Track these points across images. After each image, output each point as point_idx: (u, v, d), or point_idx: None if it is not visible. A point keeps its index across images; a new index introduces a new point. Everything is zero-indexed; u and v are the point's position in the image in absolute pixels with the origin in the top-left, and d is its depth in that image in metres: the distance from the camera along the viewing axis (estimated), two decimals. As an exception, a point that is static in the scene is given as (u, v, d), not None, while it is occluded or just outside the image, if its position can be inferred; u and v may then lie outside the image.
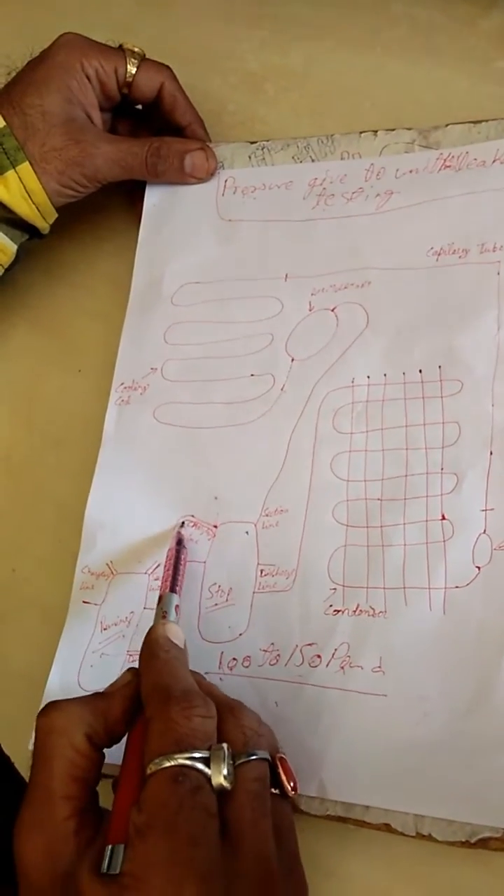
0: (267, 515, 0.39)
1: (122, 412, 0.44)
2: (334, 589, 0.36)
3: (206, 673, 0.37)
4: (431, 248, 0.41)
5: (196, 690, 0.29)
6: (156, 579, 0.40)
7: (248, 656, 0.37)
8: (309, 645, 0.36)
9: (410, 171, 0.43)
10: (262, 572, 0.38)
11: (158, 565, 0.40)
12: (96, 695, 0.30)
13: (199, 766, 0.26)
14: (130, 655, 0.39)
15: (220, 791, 0.27)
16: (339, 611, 0.36)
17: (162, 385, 0.43)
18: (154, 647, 0.31)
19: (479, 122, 0.42)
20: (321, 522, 0.38)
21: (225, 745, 0.27)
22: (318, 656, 0.36)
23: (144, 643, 0.31)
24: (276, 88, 0.49)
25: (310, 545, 0.38)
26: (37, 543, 0.45)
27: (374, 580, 0.36)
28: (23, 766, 0.40)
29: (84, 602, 0.40)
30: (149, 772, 0.26)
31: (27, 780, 0.38)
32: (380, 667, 0.34)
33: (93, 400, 0.45)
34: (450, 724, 0.33)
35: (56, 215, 0.46)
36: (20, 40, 0.46)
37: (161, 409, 0.43)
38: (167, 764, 0.26)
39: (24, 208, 0.44)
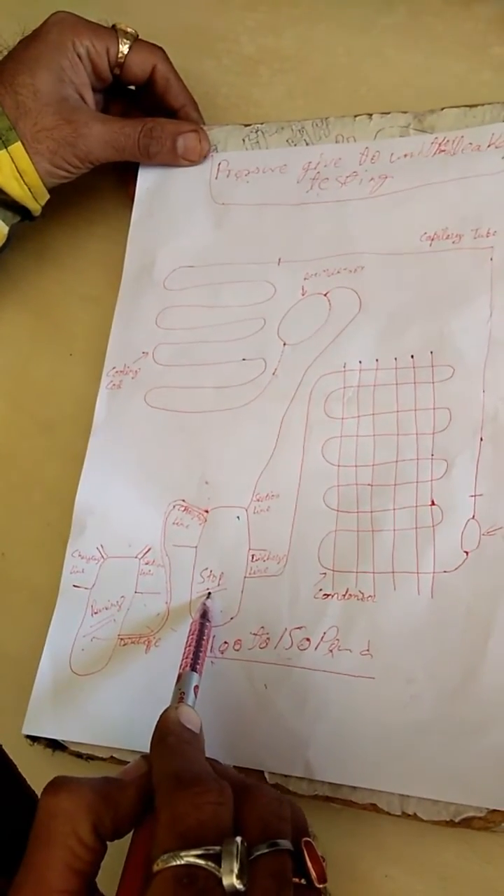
0: (258, 500, 0.39)
1: (113, 396, 0.43)
2: (324, 573, 0.37)
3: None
4: (425, 233, 0.41)
5: (209, 774, 0.26)
6: (146, 563, 0.40)
7: (239, 639, 0.37)
8: (298, 628, 0.36)
9: (405, 156, 0.43)
10: (253, 557, 0.38)
11: (149, 549, 0.40)
12: (109, 780, 0.27)
13: (209, 864, 0.23)
14: (122, 640, 0.39)
15: (233, 892, 0.24)
16: (328, 595, 0.36)
17: (153, 369, 0.43)
18: (165, 732, 0.28)
19: (475, 106, 0.42)
20: (312, 507, 0.38)
21: (238, 840, 0.24)
22: (308, 639, 0.36)
23: (157, 727, 0.29)
24: (270, 71, 0.49)
25: (301, 530, 0.38)
26: (27, 527, 0.45)
27: (363, 565, 0.36)
28: (13, 750, 0.40)
29: (74, 586, 0.41)
30: (154, 869, 0.24)
31: (15, 762, 0.38)
32: (368, 650, 0.35)
33: (84, 384, 0.45)
34: (436, 707, 0.33)
35: (48, 196, 0.45)
36: (12, 18, 0.45)
37: (152, 393, 0.43)
38: (174, 862, 0.23)
39: (15, 189, 0.43)
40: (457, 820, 0.32)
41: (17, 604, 0.43)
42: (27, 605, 0.43)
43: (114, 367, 0.44)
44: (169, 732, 0.28)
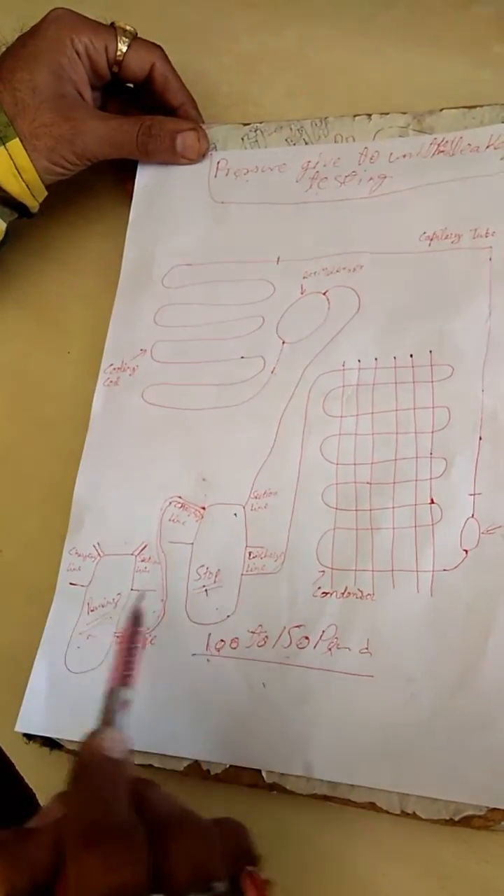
0: (256, 498, 0.39)
1: (110, 393, 0.43)
2: (323, 571, 0.37)
3: (194, 655, 0.37)
4: (424, 233, 0.41)
5: (121, 826, 0.23)
6: (142, 560, 0.40)
7: (236, 638, 0.37)
8: (297, 627, 0.36)
9: (404, 156, 0.43)
10: (250, 554, 0.38)
11: (145, 546, 0.40)
12: (19, 836, 0.24)
13: None
14: (117, 637, 0.39)
15: None
16: (327, 593, 0.36)
17: (151, 366, 0.43)
18: (82, 767, 0.25)
19: (474, 107, 0.42)
20: (310, 505, 0.38)
21: None
22: (306, 638, 0.36)
23: (77, 756, 0.26)
24: (270, 69, 0.49)
25: (299, 528, 0.38)
26: (24, 525, 0.45)
27: (362, 563, 0.36)
28: (10, 748, 0.40)
29: (71, 584, 0.40)
30: None
31: (13, 761, 0.38)
32: (367, 648, 0.35)
33: (81, 381, 0.45)
34: (435, 705, 0.33)
35: (46, 193, 0.45)
36: (10, 14, 0.45)
37: (150, 390, 0.43)
38: None
39: (13, 186, 0.43)
40: (456, 818, 0.32)
41: (14, 601, 0.43)
42: (24, 603, 0.43)
43: (111, 365, 0.44)
44: (87, 767, 0.25)
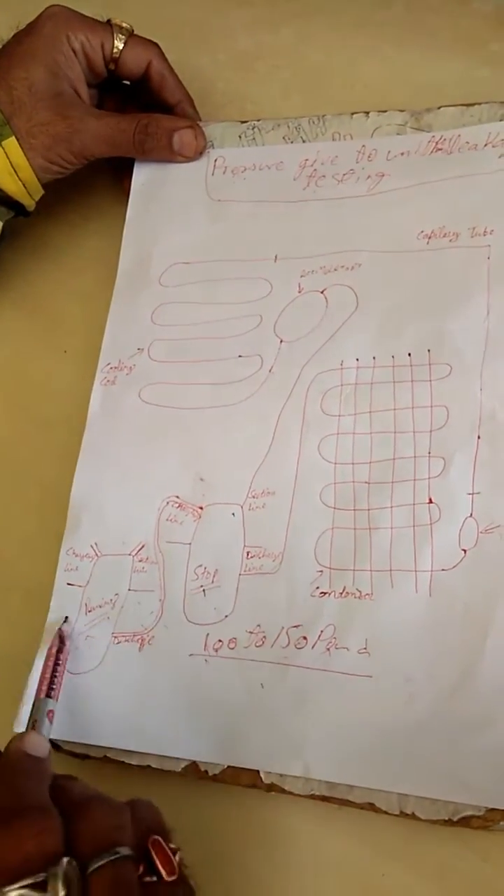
0: (254, 497, 0.39)
1: (107, 393, 0.43)
2: (321, 571, 0.36)
3: (191, 655, 0.37)
4: (422, 232, 0.41)
5: (34, 804, 0.26)
6: (140, 561, 0.40)
7: (234, 638, 0.37)
8: (295, 627, 0.36)
9: (402, 154, 0.42)
10: (248, 554, 0.38)
11: (143, 546, 0.40)
12: None
13: (36, 893, 0.24)
14: (115, 638, 0.39)
15: None
16: (325, 593, 0.36)
17: (148, 366, 0.43)
18: (7, 761, 0.29)
19: (472, 104, 0.42)
20: (308, 505, 0.38)
21: (65, 860, 0.24)
22: (305, 638, 0.36)
23: (2, 754, 0.30)
24: (267, 67, 0.49)
25: (297, 527, 0.37)
26: (21, 525, 0.44)
27: (360, 563, 0.36)
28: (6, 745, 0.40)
29: (68, 584, 0.40)
30: None
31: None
32: (365, 648, 0.35)
33: (78, 381, 0.45)
34: (434, 706, 0.33)
35: (42, 192, 0.45)
36: (6, 12, 0.45)
37: (147, 389, 0.43)
38: None
39: (9, 184, 0.43)
40: (455, 819, 0.32)
41: (12, 602, 0.43)
42: (21, 603, 0.42)
43: (108, 364, 0.44)
44: (7, 764, 0.29)
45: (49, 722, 0.34)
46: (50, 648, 0.37)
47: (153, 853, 0.26)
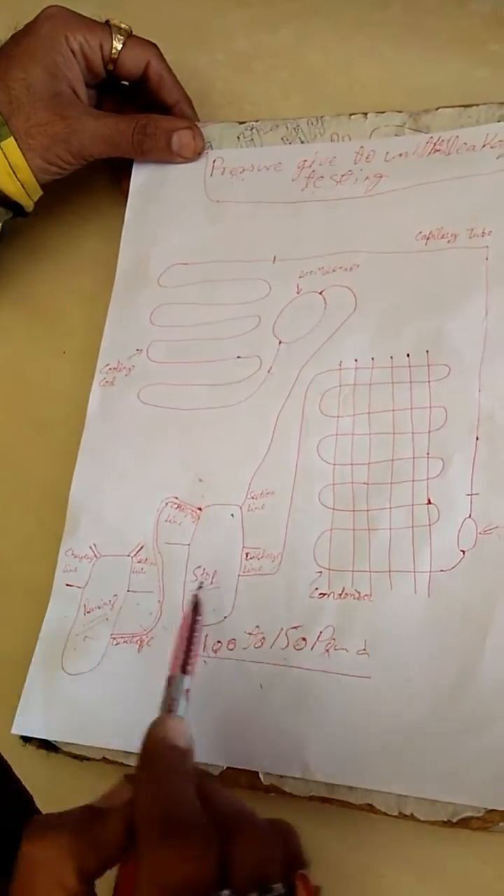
0: (253, 498, 0.39)
1: (106, 393, 0.43)
2: (320, 572, 0.36)
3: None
4: (420, 233, 0.41)
5: (194, 820, 0.25)
6: (139, 562, 0.40)
7: (233, 639, 0.37)
8: (294, 628, 0.36)
9: (400, 155, 0.42)
10: (247, 555, 0.38)
11: (142, 547, 0.40)
12: (89, 815, 0.26)
13: None
14: (114, 639, 0.38)
15: None
16: (324, 594, 0.36)
17: (147, 366, 0.43)
18: (152, 754, 0.27)
19: (470, 106, 0.42)
20: (307, 506, 0.38)
21: (225, 893, 0.23)
22: (304, 639, 0.36)
23: (143, 744, 0.27)
24: (264, 67, 0.49)
25: (296, 528, 0.37)
26: (20, 526, 0.44)
27: (359, 564, 0.36)
28: (7, 750, 0.39)
29: (67, 585, 0.40)
30: None
31: (10, 763, 0.38)
32: (364, 649, 0.35)
33: (77, 381, 0.45)
34: (433, 706, 0.33)
35: (41, 193, 0.45)
36: (4, 12, 0.45)
37: (146, 390, 0.43)
38: None
39: (8, 185, 0.43)
40: (454, 820, 0.32)
41: (10, 602, 0.43)
42: (20, 604, 0.42)
43: (107, 365, 0.44)
44: (155, 755, 0.27)
45: (187, 702, 0.29)
46: (184, 619, 0.32)
47: (300, 890, 0.24)
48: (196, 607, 0.32)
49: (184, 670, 0.30)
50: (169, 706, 0.29)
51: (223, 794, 0.27)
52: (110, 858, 0.25)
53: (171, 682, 0.29)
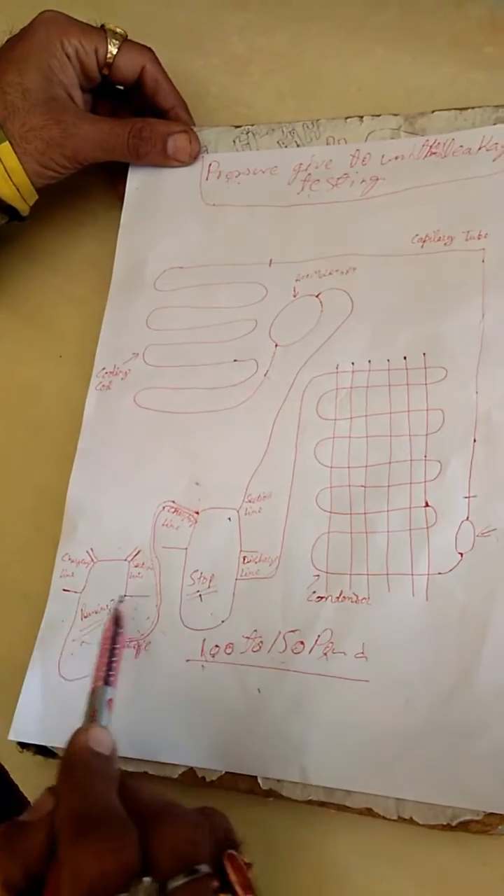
0: (250, 502, 0.39)
1: (102, 397, 0.43)
2: (317, 575, 0.36)
3: (188, 660, 0.37)
4: (416, 235, 0.41)
5: (110, 815, 0.25)
6: (136, 566, 0.39)
7: (231, 643, 0.37)
8: (292, 631, 0.36)
9: (396, 158, 0.43)
10: (244, 559, 0.38)
11: (139, 551, 0.40)
12: (12, 828, 0.26)
13: None
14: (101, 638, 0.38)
15: None
16: (322, 597, 0.36)
17: (144, 370, 0.43)
18: (71, 762, 0.27)
19: (465, 108, 0.42)
20: (305, 509, 0.38)
21: (147, 880, 0.23)
22: (301, 643, 0.36)
23: (65, 753, 0.28)
24: (260, 71, 0.49)
25: (293, 532, 0.37)
26: (16, 530, 0.44)
27: (357, 567, 0.36)
28: (4, 756, 0.39)
29: (64, 590, 0.40)
30: None
31: (7, 768, 0.38)
32: (363, 653, 0.35)
33: (73, 385, 0.45)
34: (432, 710, 0.33)
35: (36, 196, 0.45)
36: (0, 17, 0.45)
37: (142, 394, 0.42)
38: None
39: (4, 189, 0.43)
40: (453, 823, 0.32)
41: (7, 607, 0.43)
42: (17, 609, 0.42)
43: (103, 369, 0.44)
44: (75, 763, 0.27)
45: (109, 712, 0.31)
46: (106, 632, 0.34)
47: (229, 868, 0.25)
48: (117, 620, 0.35)
49: (106, 682, 0.32)
50: (92, 716, 0.30)
51: (147, 791, 0.27)
52: (35, 869, 0.25)
53: (93, 694, 0.31)
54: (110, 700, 0.31)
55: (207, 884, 0.24)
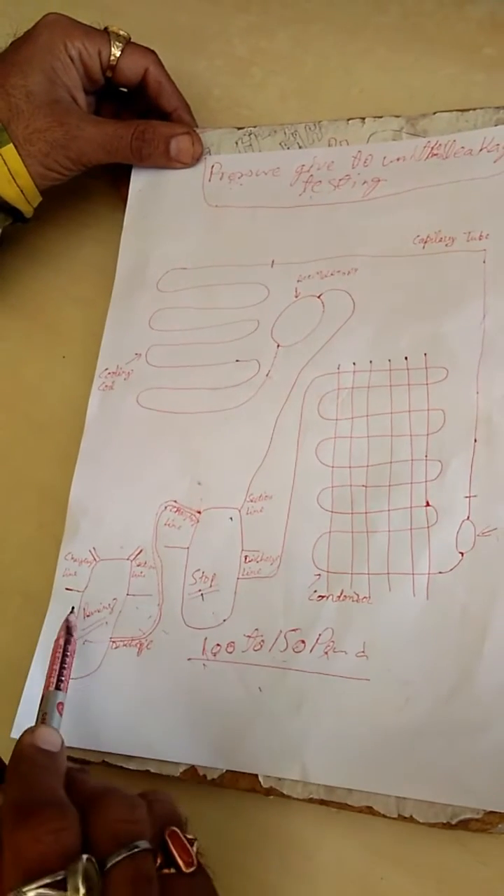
0: (251, 501, 0.39)
1: (105, 398, 0.43)
2: (319, 575, 0.37)
3: (190, 659, 0.37)
4: (418, 236, 0.41)
5: (51, 800, 0.26)
6: (138, 565, 0.40)
7: (232, 642, 0.37)
8: (293, 630, 0.36)
9: (398, 159, 0.43)
10: (246, 558, 0.38)
11: (141, 551, 0.40)
12: None
13: (55, 892, 0.24)
14: (113, 642, 0.39)
15: None
16: (323, 596, 0.36)
17: (146, 371, 0.43)
18: (18, 758, 0.28)
19: (467, 110, 0.42)
20: (306, 508, 0.38)
21: (84, 857, 0.24)
22: (303, 642, 0.36)
23: (13, 751, 0.29)
24: (263, 73, 0.49)
25: (294, 531, 0.38)
26: (19, 529, 0.44)
27: (358, 566, 0.36)
28: (5, 755, 0.39)
29: (67, 589, 0.40)
30: None
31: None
32: (363, 652, 0.35)
33: (76, 386, 0.45)
34: (432, 709, 0.33)
35: (40, 198, 0.45)
36: (3, 19, 0.46)
37: (145, 394, 0.43)
38: None
39: (8, 191, 0.43)
40: (454, 822, 0.32)
41: (10, 606, 0.43)
42: (19, 608, 0.42)
43: (106, 369, 0.44)
44: (21, 759, 0.28)
45: (59, 715, 0.33)
46: (57, 640, 0.37)
47: (171, 845, 0.26)
48: (69, 629, 0.37)
49: (57, 686, 0.34)
50: (42, 718, 0.32)
51: (91, 780, 0.29)
52: None
53: (44, 698, 0.33)
54: (60, 703, 0.33)
55: (147, 859, 0.25)
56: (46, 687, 0.34)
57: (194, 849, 0.26)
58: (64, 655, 0.36)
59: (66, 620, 0.38)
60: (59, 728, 0.32)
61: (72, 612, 0.39)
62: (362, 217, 0.42)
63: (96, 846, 0.25)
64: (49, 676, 0.35)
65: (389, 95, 0.45)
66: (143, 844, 0.25)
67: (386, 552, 0.36)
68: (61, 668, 0.35)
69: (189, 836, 0.27)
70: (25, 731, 0.30)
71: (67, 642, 0.36)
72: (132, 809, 0.27)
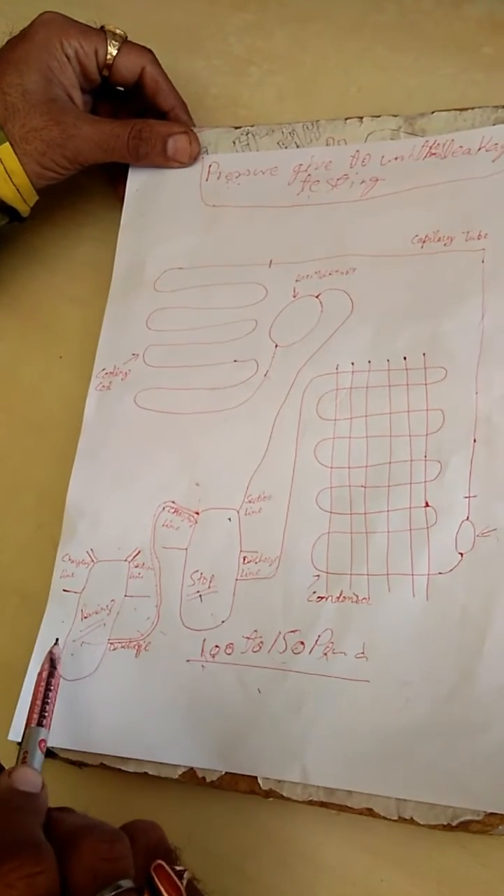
0: (250, 502, 0.39)
1: (102, 398, 0.43)
2: (318, 576, 0.36)
3: (188, 661, 0.37)
4: (416, 236, 0.41)
5: (26, 843, 0.25)
6: (136, 566, 0.39)
7: (231, 643, 0.37)
8: (292, 632, 0.36)
9: (396, 158, 0.43)
10: (244, 559, 0.38)
11: (139, 552, 0.40)
12: None
13: None
14: (111, 644, 0.38)
15: None
16: (322, 597, 0.36)
17: (144, 371, 0.43)
18: None
19: (465, 109, 0.42)
20: (305, 509, 0.38)
21: None
22: (302, 643, 0.36)
23: None
24: (260, 72, 0.49)
25: (293, 532, 0.37)
26: (17, 530, 0.44)
27: (357, 567, 0.36)
28: (2, 758, 0.39)
29: (64, 590, 0.40)
30: None
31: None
32: (363, 653, 0.35)
33: (73, 386, 0.45)
34: (432, 710, 0.33)
35: (37, 197, 0.45)
36: (0, 18, 0.45)
37: (142, 394, 0.42)
38: None
39: (4, 190, 0.43)
40: (454, 823, 0.32)
41: (8, 608, 0.43)
42: (17, 609, 0.42)
43: (103, 369, 0.44)
44: (1, 801, 0.27)
45: (41, 753, 0.32)
46: (40, 674, 0.35)
47: (157, 880, 0.25)
48: (52, 662, 0.36)
49: (39, 723, 0.32)
50: (23, 758, 0.31)
51: (73, 816, 0.27)
52: None
53: (25, 736, 0.32)
54: (42, 741, 0.32)
55: None
56: (28, 723, 0.33)
57: (184, 881, 0.25)
58: (47, 690, 0.34)
59: (50, 653, 0.37)
60: (40, 767, 0.31)
61: (56, 644, 0.38)
62: (360, 216, 0.42)
63: (76, 889, 0.24)
64: (31, 712, 0.33)
65: (387, 95, 0.45)
66: (126, 884, 0.24)
67: (385, 553, 0.36)
68: (44, 703, 0.33)
69: (178, 868, 0.26)
70: (3, 773, 0.29)
71: (51, 675, 0.35)
72: (112, 845, 0.25)
